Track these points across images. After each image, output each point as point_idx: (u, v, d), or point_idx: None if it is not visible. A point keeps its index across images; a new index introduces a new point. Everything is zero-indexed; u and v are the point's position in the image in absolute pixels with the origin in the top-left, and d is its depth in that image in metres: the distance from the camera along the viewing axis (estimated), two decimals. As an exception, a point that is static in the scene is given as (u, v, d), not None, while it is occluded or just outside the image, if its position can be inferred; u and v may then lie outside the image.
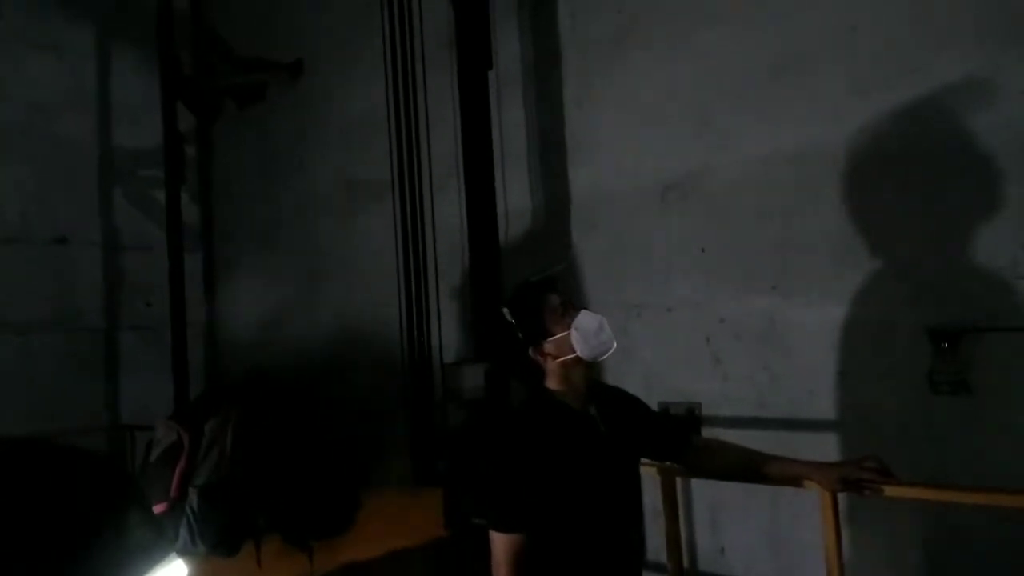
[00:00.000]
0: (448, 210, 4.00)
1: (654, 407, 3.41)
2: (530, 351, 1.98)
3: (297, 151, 5.26)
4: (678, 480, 2.78)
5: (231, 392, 3.44)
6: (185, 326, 5.49)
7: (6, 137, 5.06)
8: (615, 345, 1.98)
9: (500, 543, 1.84)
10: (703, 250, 3.31)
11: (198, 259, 5.83)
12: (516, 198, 3.91)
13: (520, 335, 1.98)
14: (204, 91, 5.44)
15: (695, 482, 3.19)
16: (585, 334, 1.95)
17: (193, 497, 2.77)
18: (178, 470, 2.81)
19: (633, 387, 3.46)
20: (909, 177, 2.77)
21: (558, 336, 1.96)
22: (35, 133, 5.17)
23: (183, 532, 2.72)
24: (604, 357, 1.99)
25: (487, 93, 3.80)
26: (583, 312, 1.99)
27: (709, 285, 3.30)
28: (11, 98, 5.10)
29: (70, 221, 5.32)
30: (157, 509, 2.72)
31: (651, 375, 3.43)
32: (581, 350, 1.95)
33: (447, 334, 3.95)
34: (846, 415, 2.92)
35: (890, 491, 2.08)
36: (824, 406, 2.98)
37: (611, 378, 3.57)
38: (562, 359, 1.96)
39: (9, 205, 5.07)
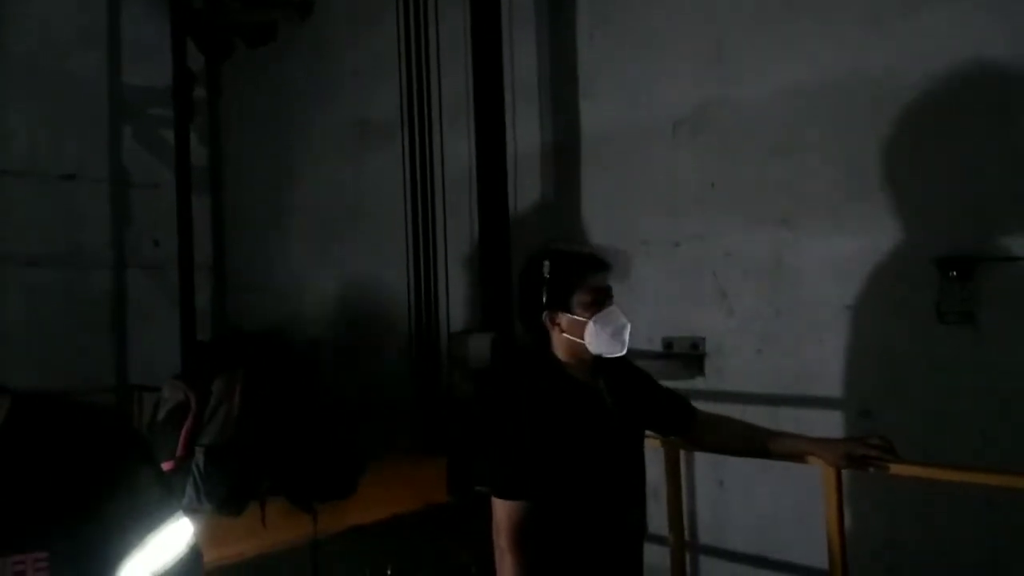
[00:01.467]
0: (457, 150, 3.96)
1: (658, 342, 3.45)
2: (544, 314, 1.94)
3: (307, 92, 5.22)
4: (682, 454, 2.77)
5: (239, 352, 3.43)
6: (192, 266, 5.51)
7: (17, 73, 5.04)
8: (624, 351, 1.96)
9: (502, 510, 1.83)
10: (712, 185, 3.29)
11: (206, 200, 5.82)
12: (526, 135, 3.88)
13: (544, 295, 1.93)
14: (214, 29, 5.40)
15: (699, 456, 3.19)
16: (600, 332, 1.91)
17: (199, 456, 2.76)
18: (185, 429, 2.82)
19: (638, 323, 3.48)
20: (923, 109, 2.74)
21: (577, 317, 1.92)
22: (45, 70, 5.15)
23: (189, 491, 2.73)
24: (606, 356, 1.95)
25: (499, 24, 3.75)
26: (613, 309, 1.95)
27: (717, 220, 3.28)
28: (22, 35, 5.08)
29: (79, 158, 5.31)
30: (164, 468, 2.71)
31: (657, 310, 3.43)
32: (589, 343, 1.92)
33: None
34: (852, 348, 2.92)
35: (895, 469, 2.06)
36: (829, 340, 2.98)
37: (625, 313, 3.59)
38: (569, 338, 1.94)
39: (18, 139, 5.07)
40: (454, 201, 3.99)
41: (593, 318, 1.91)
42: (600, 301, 1.94)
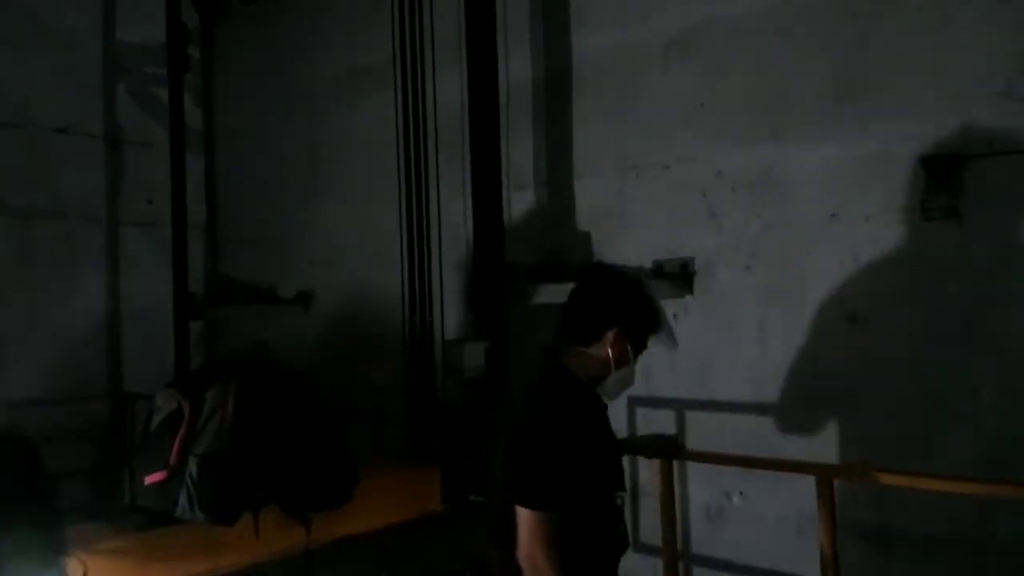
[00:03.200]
0: (449, 91, 3.97)
1: (648, 265, 3.47)
2: (616, 330, 2.03)
3: (299, 45, 5.25)
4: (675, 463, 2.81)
5: (232, 361, 3.41)
6: (186, 226, 5.49)
7: (10, 24, 5.05)
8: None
9: (534, 520, 1.86)
10: (702, 105, 3.33)
11: (200, 160, 5.83)
12: (518, 70, 3.91)
13: (630, 316, 2.06)
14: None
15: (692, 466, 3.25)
16: (627, 377, 2.11)
17: (193, 465, 2.76)
18: (178, 438, 2.79)
19: (627, 248, 3.55)
20: (907, 9, 2.78)
21: (632, 353, 2.08)
22: (39, 21, 5.16)
23: (182, 499, 2.72)
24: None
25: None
26: (637, 368, 2.13)
27: (707, 140, 3.32)
28: (17, -12, 5.10)
29: (72, 112, 5.32)
30: (157, 477, 2.74)
31: (647, 233, 3.46)
32: (614, 378, 2.08)
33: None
34: (838, 256, 2.95)
35: (886, 479, 2.19)
36: (817, 249, 3.01)
37: (605, 240, 3.63)
38: (604, 361, 2.04)
39: (12, 91, 5.07)
40: (447, 144, 4.01)
41: (634, 362, 2.10)
42: (638, 353, 2.12)
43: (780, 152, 3.11)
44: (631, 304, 2.10)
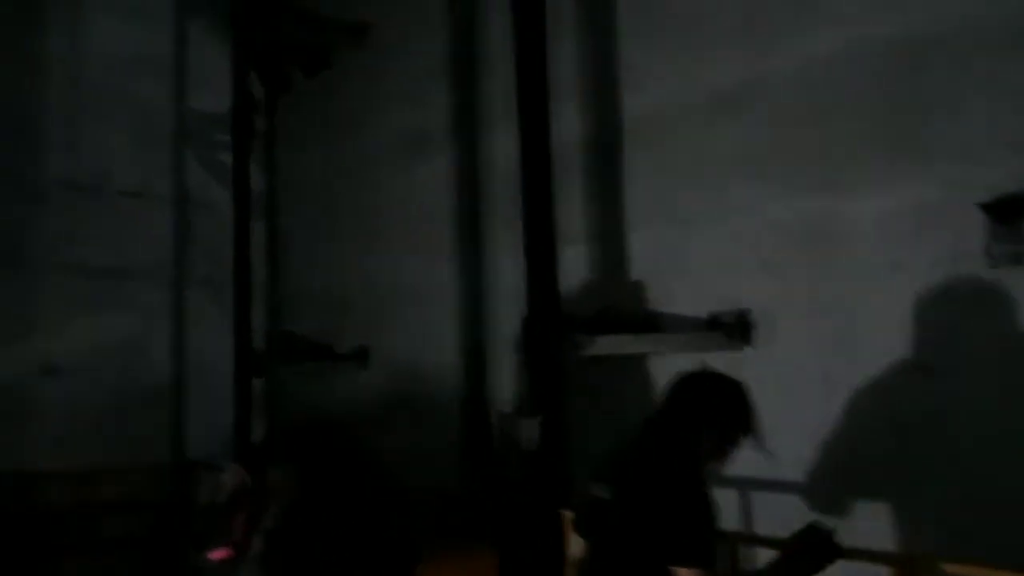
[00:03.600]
0: (503, 152, 4.07)
1: (703, 315, 3.44)
2: (726, 443, 2.21)
3: (358, 113, 5.46)
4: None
5: (295, 435, 3.47)
6: (249, 285, 5.71)
7: (89, 95, 5.41)
8: None
9: None
10: (754, 157, 3.34)
11: (261, 223, 6.05)
12: (567, 129, 3.98)
13: (705, 422, 2.17)
14: (272, 54, 5.71)
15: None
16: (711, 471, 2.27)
17: (257, 542, 2.82)
18: (243, 515, 2.89)
19: (683, 298, 3.53)
20: (966, 59, 2.77)
21: (710, 452, 2.21)
22: (115, 93, 5.51)
23: None
24: None
25: (544, 26, 3.89)
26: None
27: (760, 191, 3.31)
28: (96, 59, 5.46)
29: (145, 177, 5.60)
30: (222, 554, 2.82)
31: (701, 285, 3.44)
32: None
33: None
34: (902, 305, 2.88)
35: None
36: (878, 299, 2.95)
37: (660, 292, 3.62)
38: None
39: (90, 157, 5.39)
40: (500, 203, 4.09)
41: (725, 459, 2.27)
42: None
43: (836, 202, 3.08)
44: (733, 411, 2.23)
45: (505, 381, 3.97)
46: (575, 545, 2.37)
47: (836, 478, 3.02)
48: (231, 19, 5.72)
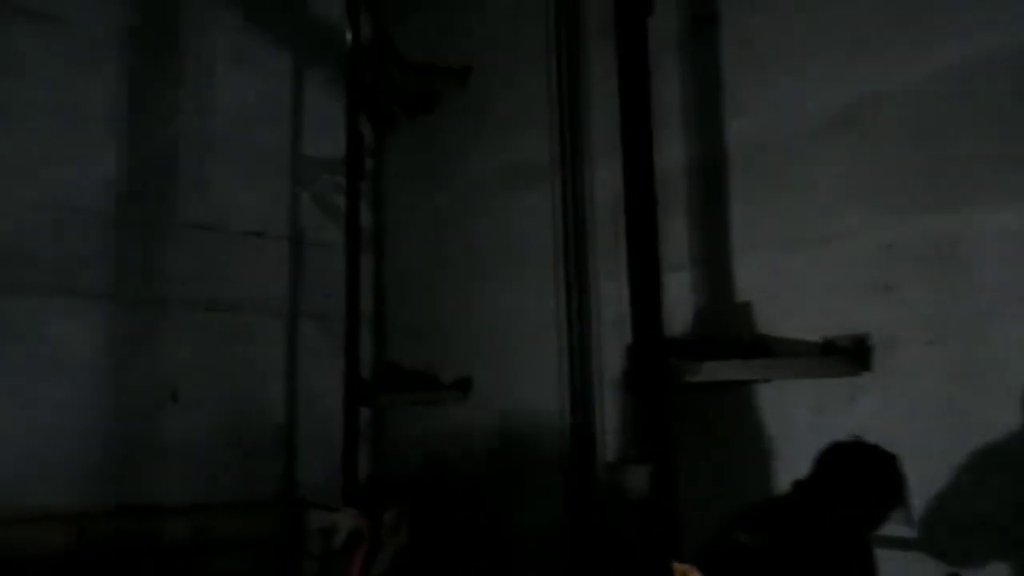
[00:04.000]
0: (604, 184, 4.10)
1: (818, 341, 3.32)
2: (860, 502, 2.21)
3: (460, 150, 5.62)
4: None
5: (408, 479, 3.51)
6: (358, 317, 5.91)
7: (212, 142, 5.79)
8: None
9: None
10: (867, 177, 3.24)
11: (370, 258, 6.28)
12: (671, 153, 3.98)
13: (870, 500, 2.22)
14: (381, 101, 5.98)
15: None
16: None
17: None
18: (359, 558, 3.04)
19: (794, 323, 3.43)
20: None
21: (867, 530, 2.27)
22: (237, 140, 5.88)
23: None
24: None
25: (647, 59, 3.91)
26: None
27: (874, 213, 3.21)
28: (217, 109, 5.85)
29: (263, 217, 5.93)
30: None
31: (813, 310, 3.34)
32: None
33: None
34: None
35: None
36: (1012, 323, 2.78)
37: (768, 317, 3.53)
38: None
39: (214, 199, 5.75)
40: (601, 234, 4.11)
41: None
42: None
43: (956, 221, 2.95)
44: (887, 487, 2.26)
45: (610, 419, 3.91)
46: None
47: (962, 529, 2.82)
48: (344, 68, 6.03)
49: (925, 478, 2.95)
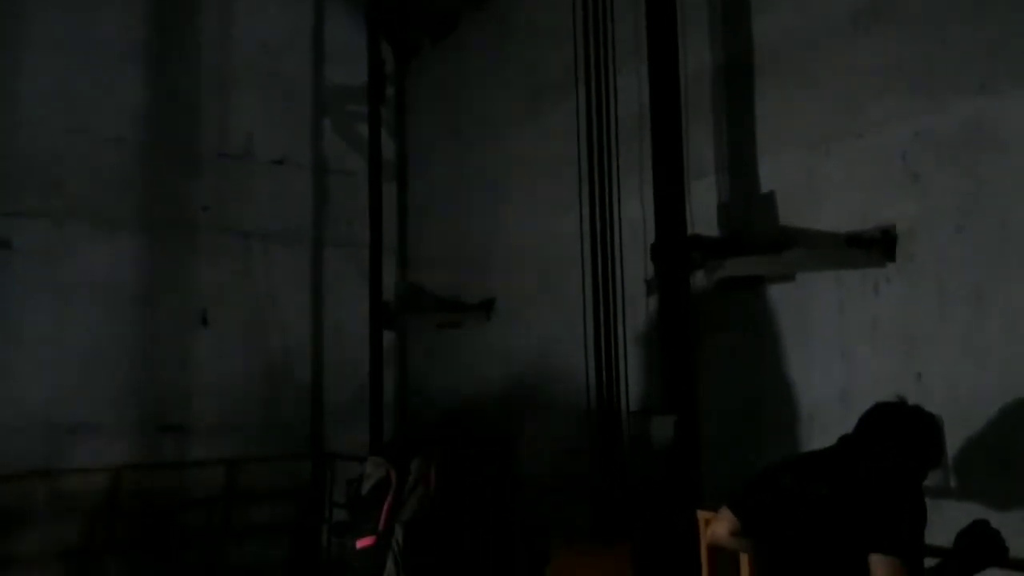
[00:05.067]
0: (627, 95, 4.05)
1: (843, 234, 3.30)
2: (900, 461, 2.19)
3: (483, 76, 5.59)
4: None
5: (435, 428, 3.57)
6: (381, 244, 5.98)
7: (237, 72, 5.82)
8: None
9: (904, 570, 2.01)
10: (896, 69, 3.18)
11: (392, 187, 6.31)
12: (696, 57, 3.92)
13: (910, 459, 2.19)
14: (403, 25, 5.95)
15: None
16: None
17: (399, 532, 2.96)
18: (386, 505, 3.01)
19: (822, 220, 3.40)
20: None
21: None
22: (260, 69, 5.91)
23: (389, 564, 2.92)
24: None
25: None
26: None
27: (903, 103, 3.15)
28: (242, 39, 5.88)
29: (286, 146, 5.97)
30: (367, 542, 2.96)
31: (839, 204, 3.31)
32: None
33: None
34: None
35: None
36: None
37: (795, 213, 3.51)
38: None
39: (238, 128, 5.79)
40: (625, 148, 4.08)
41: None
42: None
43: (990, 105, 2.88)
44: (928, 447, 2.25)
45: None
46: (721, 524, 2.44)
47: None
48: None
49: (949, 365, 2.96)
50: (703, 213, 3.81)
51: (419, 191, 6.28)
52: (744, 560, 2.81)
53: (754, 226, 3.57)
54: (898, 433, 2.23)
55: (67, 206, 5.11)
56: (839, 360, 3.30)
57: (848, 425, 2.34)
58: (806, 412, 3.43)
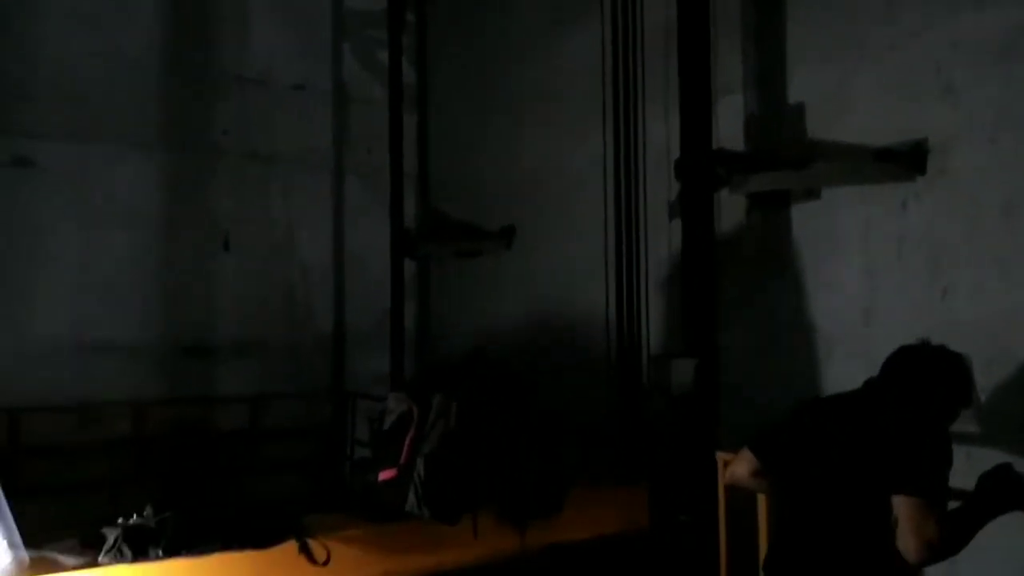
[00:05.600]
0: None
1: (873, 148, 3.23)
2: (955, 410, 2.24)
3: (503, 14, 5.47)
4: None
5: (457, 366, 3.59)
6: (402, 172, 5.94)
7: (257, -4, 5.72)
8: None
9: (930, 511, 1.99)
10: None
11: (413, 115, 6.24)
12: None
13: (939, 400, 2.20)
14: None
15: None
16: None
17: (420, 465, 2.98)
18: (408, 439, 3.04)
19: (852, 135, 3.32)
20: None
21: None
22: (281, -9, 5.81)
23: (411, 496, 2.96)
24: None
25: None
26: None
27: (938, 11, 3.05)
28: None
29: (306, 71, 5.90)
30: (389, 474, 3.01)
31: (869, 117, 3.24)
32: None
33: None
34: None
35: None
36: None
37: (822, 128, 3.44)
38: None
39: (258, 52, 5.72)
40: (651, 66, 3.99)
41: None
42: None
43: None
44: (956, 387, 2.25)
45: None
46: (742, 464, 2.47)
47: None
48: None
49: (979, 282, 2.92)
50: (729, 131, 3.74)
51: (440, 119, 6.20)
52: (761, 500, 2.86)
53: (781, 142, 3.50)
54: (923, 374, 2.22)
55: (91, 127, 5.11)
56: (864, 279, 3.26)
57: (871, 349, 2.34)
58: (828, 338, 3.40)
